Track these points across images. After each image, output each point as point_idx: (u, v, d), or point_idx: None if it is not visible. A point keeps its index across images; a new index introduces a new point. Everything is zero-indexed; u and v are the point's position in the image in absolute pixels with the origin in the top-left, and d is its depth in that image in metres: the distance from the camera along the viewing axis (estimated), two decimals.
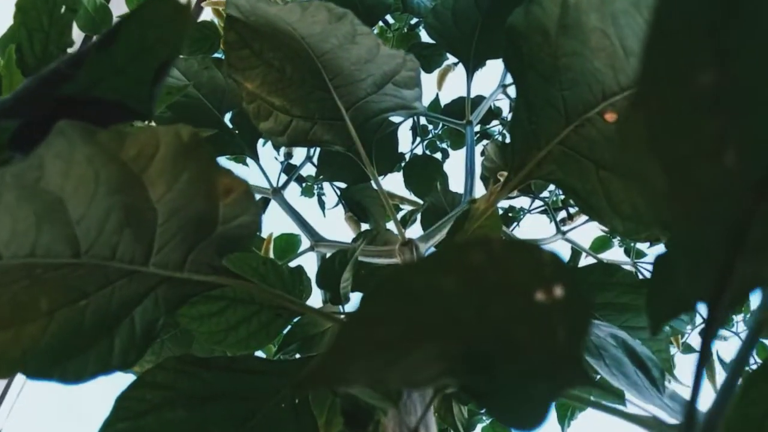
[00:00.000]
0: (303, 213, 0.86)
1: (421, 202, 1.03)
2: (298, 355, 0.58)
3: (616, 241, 1.20)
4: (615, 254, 1.26)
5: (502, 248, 0.15)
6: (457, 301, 0.15)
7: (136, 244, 0.29)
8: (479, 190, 0.80)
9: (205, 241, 0.30)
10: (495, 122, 1.17)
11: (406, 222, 0.63)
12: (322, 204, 1.12)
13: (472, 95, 0.87)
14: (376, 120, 0.56)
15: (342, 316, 0.56)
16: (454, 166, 1.27)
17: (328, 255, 0.82)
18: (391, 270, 0.15)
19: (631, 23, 0.32)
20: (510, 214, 1.07)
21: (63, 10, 0.62)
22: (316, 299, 0.87)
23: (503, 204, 1.02)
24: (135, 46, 0.23)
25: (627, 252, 1.18)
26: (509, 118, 1.15)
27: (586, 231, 1.15)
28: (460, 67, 1.26)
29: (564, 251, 1.32)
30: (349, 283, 0.55)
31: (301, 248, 1.01)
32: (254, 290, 0.36)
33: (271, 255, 1.04)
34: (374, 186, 0.61)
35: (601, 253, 1.20)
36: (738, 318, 1.31)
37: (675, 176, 0.13)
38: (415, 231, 0.97)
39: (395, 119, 0.79)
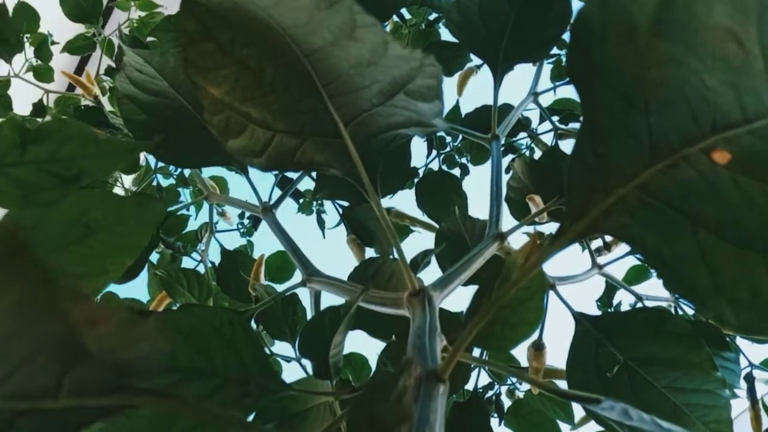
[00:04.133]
0: (300, 232, 0.75)
1: (435, 224, 0.92)
2: None
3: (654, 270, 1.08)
4: (653, 287, 1.13)
5: None
6: None
7: None
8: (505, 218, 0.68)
9: (84, 364, 0.19)
10: (523, 134, 1.05)
11: (417, 265, 0.51)
12: (321, 223, 1.00)
13: (497, 103, 0.76)
14: (383, 138, 0.45)
15: (331, 398, 0.44)
16: (473, 183, 1.15)
17: (322, 292, 0.71)
18: None
19: None
20: (537, 242, 0.94)
21: None
22: None
23: (528, 228, 0.90)
24: None
25: None
26: (538, 130, 1.04)
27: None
28: (483, 70, 1.14)
29: (597, 284, 1.20)
30: (340, 349, 0.43)
31: (293, 281, 0.89)
32: (185, 409, 0.24)
33: (263, 279, 0.93)
34: (378, 213, 0.49)
35: (636, 284, 1.08)
36: None
37: None
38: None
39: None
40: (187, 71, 0.36)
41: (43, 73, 1.49)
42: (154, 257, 1.18)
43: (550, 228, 1.07)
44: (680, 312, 1.08)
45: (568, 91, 1.16)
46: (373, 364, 1.05)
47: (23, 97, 1.51)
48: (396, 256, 0.50)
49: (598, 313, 0.77)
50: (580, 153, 0.31)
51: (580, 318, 0.72)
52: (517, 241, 0.65)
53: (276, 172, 0.88)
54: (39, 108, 1.39)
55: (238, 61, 0.38)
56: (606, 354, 0.73)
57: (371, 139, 0.45)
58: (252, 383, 0.40)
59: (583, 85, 0.30)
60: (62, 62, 1.63)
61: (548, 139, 1.02)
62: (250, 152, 0.41)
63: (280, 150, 0.43)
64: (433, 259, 0.83)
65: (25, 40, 1.48)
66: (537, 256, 0.35)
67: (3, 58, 1.46)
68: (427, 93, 0.39)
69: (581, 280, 0.78)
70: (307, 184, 1.39)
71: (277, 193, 0.84)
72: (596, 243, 0.97)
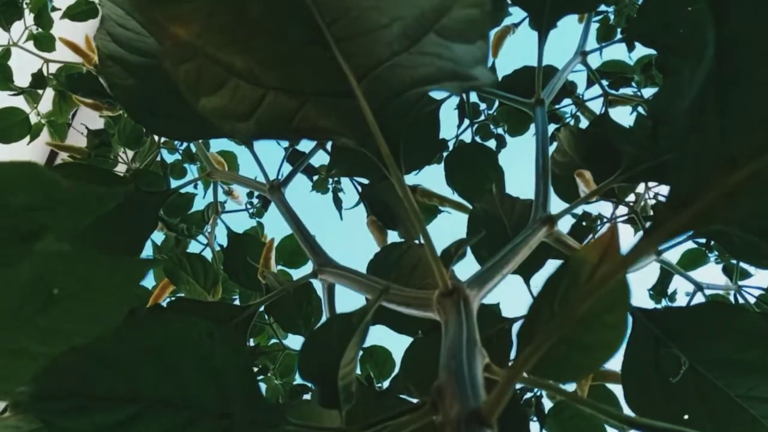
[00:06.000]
0: (316, 212, 0.66)
1: (468, 204, 0.82)
2: None
3: (712, 255, 0.98)
4: (710, 272, 1.03)
5: None
6: None
7: None
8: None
9: None
10: (567, 101, 0.94)
11: (450, 258, 0.42)
12: (338, 203, 0.91)
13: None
14: (408, 97, 0.35)
15: None
16: (509, 157, 1.04)
17: (336, 286, 0.61)
18: None
19: None
20: (584, 223, 0.84)
21: None
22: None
23: (576, 210, 0.79)
24: None
25: (727, 271, 0.95)
26: (585, 96, 0.93)
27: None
28: (520, 31, 1.04)
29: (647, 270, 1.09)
30: (352, 368, 0.34)
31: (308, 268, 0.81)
32: None
33: (274, 265, 0.84)
34: (400, 192, 0.40)
35: (692, 270, 0.97)
36: None
37: None
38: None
39: (438, 94, 0.59)
40: (139, 3, 0.27)
41: (43, 42, 1.41)
42: (159, 238, 1.10)
43: (599, 208, 0.97)
44: (741, 301, 0.98)
45: (617, 52, 1.05)
46: (396, 357, 0.97)
47: (27, 68, 1.43)
48: (422, 242, 0.41)
49: (653, 305, 0.67)
50: (697, 108, 0.22)
51: (638, 313, 0.62)
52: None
53: (286, 145, 0.79)
54: (38, 79, 1.32)
55: None
56: (669, 355, 0.63)
57: (392, 99, 0.35)
58: (236, 416, 0.32)
59: (716, 9, 0.20)
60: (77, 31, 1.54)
61: (595, 106, 0.92)
62: (232, 114, 0.32)
63: (274, 112, 0.33)
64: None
65: (25, 6, 1.40)
66: (620, 258, 0.26)
67: (1, 26, 1.38)
68: (467, 30, 0.29)
69: (637, 269, 0.68)
70: (322, 158, 1.29)
71: (288, 169, 0.74)
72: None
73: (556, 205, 0.60)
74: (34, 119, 1.40)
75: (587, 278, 0.27)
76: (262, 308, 0.72)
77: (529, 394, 0.81)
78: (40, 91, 1.36)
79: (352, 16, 0.30)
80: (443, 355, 0.33)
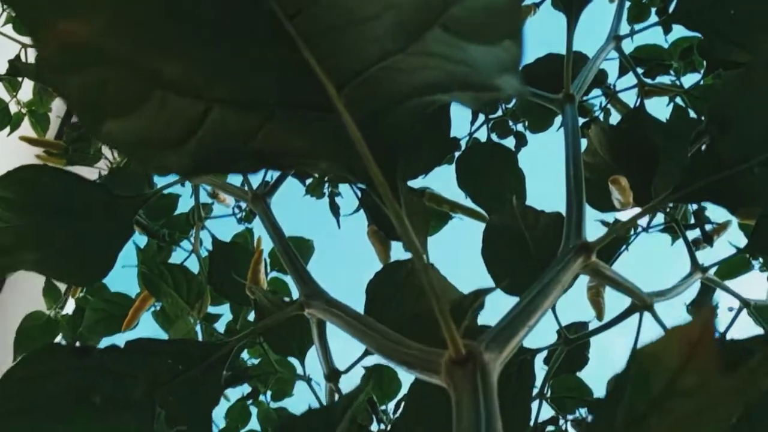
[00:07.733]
0: (312, 214, 0.58)
1: (483, 212, 0.73)
2: None
3: (757, 263, 0.89)
4: (752, 282, 0.94)
5: None
6: None
7: None
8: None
9: None
10: (596, 92, 0.85)
11: (464, 312, 0.34)
12: (335, 210, 0.83)
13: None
14: (405, 109, 0.27)
15: None
16: (529, 150, 0.94)
17: (326, 322, 0.53)
18: None
19: None
20: (614, 234, 0.75)
21: None
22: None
23: (601, 215, 0.71)
24: None
25: None
26: (617, 86, 0.83)
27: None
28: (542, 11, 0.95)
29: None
30: None
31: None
32: None
33: (264, 279, 0.76)
34: (398, 227, 0.31)
35: (731, 279, 0.89)
36: None
37: None
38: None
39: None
40: None
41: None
42: (143, 241, 1.02)
43: (631, 214, 0.87)
44: None
45: (649, 35, 0.95)
46: (403, 376, 0.89)
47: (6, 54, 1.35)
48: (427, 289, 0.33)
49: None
50: None
51: None
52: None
53: None
54: (16, 66, 1.23)
55: None
56: None
57: (385, 112, 0.27)
58: None
59: None
60: None
61: (627, 98, 0.83)
62: (157, 141, 0.23)
63: (222, 133, 0.25)
64: (477, 251, 0.66)
65: None
66: (720, 376, 0.17)
67: None
68: (487, 25, 0.20)
69: (682, 292, 0.60)
70: None
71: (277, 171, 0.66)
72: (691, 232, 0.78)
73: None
74: (14, 109, 1.32)
75: (665, 390, 0.19)
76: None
77: (552, 428, 0.73)
78: (19, 79, 1.28)
79: (325, 3, 0.22)
80: None
